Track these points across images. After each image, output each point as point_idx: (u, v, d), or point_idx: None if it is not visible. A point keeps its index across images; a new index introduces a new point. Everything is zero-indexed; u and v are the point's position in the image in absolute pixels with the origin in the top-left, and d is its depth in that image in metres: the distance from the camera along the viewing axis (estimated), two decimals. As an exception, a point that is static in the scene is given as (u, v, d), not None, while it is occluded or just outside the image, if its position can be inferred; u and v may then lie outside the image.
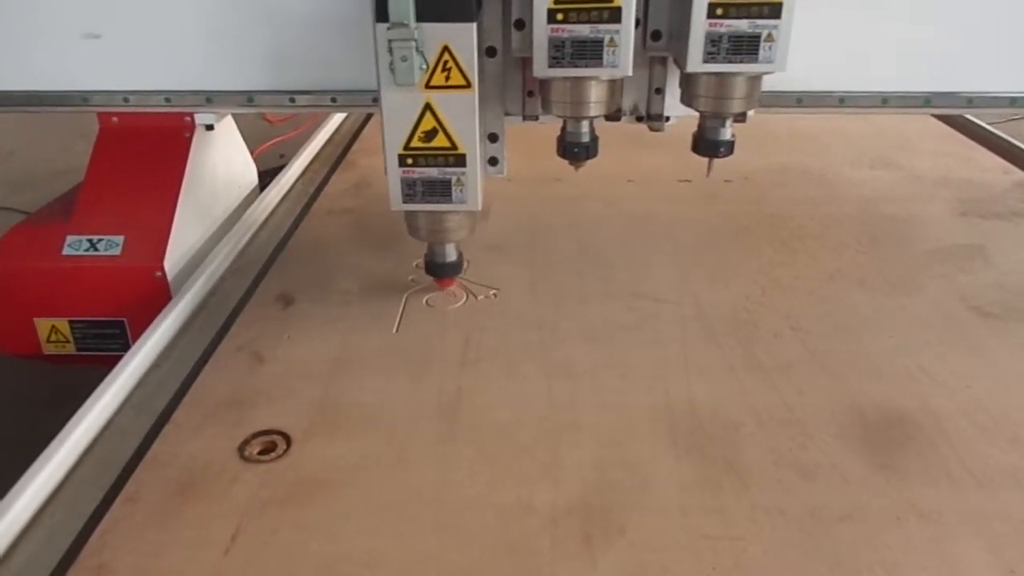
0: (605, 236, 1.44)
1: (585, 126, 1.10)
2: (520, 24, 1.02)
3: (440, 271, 1.20)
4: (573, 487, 0.86)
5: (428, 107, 1.00)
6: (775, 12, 0.94)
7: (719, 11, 0.95)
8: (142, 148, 1.44)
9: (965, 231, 1.45)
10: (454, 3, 0.94)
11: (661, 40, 1.05)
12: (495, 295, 1.25)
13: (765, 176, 1.71)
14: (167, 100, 1.22)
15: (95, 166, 1.44)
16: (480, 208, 1.09)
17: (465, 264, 1.33)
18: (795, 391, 1.01)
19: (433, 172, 1.04)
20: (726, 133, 1.10)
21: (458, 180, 1.05)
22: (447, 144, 1.02)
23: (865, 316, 1.18)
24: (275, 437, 0.93)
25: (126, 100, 1.22)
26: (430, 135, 1.02)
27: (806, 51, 1.04)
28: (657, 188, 1.66)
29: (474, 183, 1.05)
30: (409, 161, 1.04)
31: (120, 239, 1.34)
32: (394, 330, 1.15)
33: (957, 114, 2.00)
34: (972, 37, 1.17)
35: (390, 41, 0.94)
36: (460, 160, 1.03)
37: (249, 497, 0.85)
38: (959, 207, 1.56)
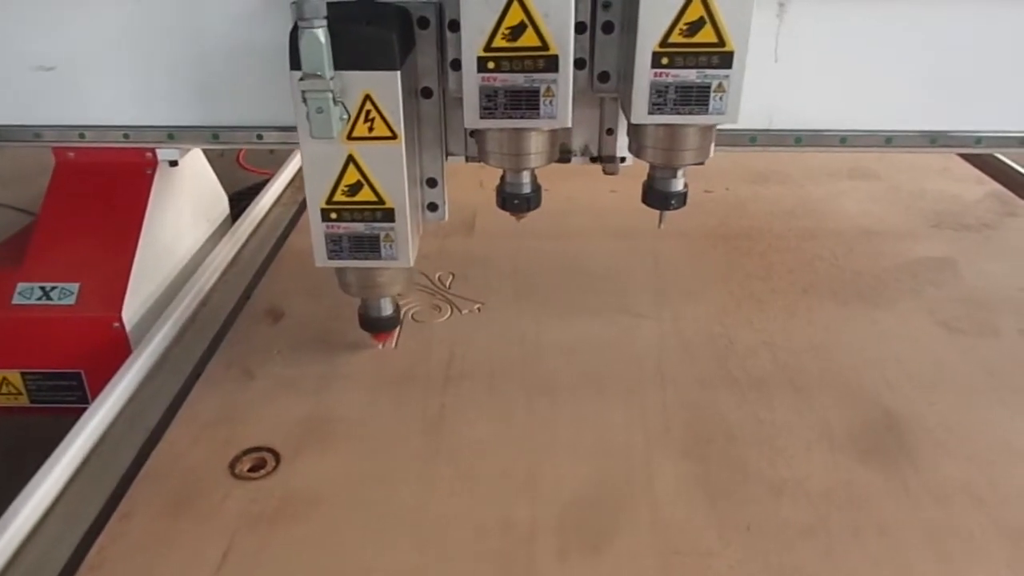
0: (588, 249, 1.48)
1: (526, 176, 1.02)
2: (457, 64, 0.93)
3: (374, 326, 1.13)
4: (550, 505, 0.90)
5: (351, 159, 0.93)
6: (726, 62, 0.86)
7: (664, 60, 0.86)
8: (100, 186, 1.36)
9: (937, 243, 1.50)
10: (375, 50, 0.87)
11: (609, 82, 0.97)
12: (479, 309, 1.28)
13: (745, 186, 1.75)
14: (125, 136, 1.14)
15: (49, 206, 1.36)
16: (412, 264, 1.02)
17: (449, 278, 1.37)
18: (765, 406, 1.06)
19: (359, 227, 0.98)
20: (678, 184, 1.03)
21: (387, 235, 0.98)
22: (373, 198, 0.96)
23: (836, 331, 1.22)
24: (265, 454, 0.97)
25: (82, 136, 1.14)
26: (354, 188, 0.95)
27: (806, 88, 1.04)
28: (636, 201, 1.68)
29: (404, 238, 0.98)
30: (333, 216, 0.97)
31: (75, 287, 1.27)
32: (379, 345, 1.18)
33: (966, 152, 1.93)
34: (979, 74, 1.09)
35: (304, 92, 0.86)
36: (388, 215, 0.97)
37: (240, 514, 0.88)
38: (933, 219, 1.60)
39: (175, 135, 1.14)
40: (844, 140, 1.15)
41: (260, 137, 1.12)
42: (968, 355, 1.17)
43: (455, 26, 0.92)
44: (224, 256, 1.45)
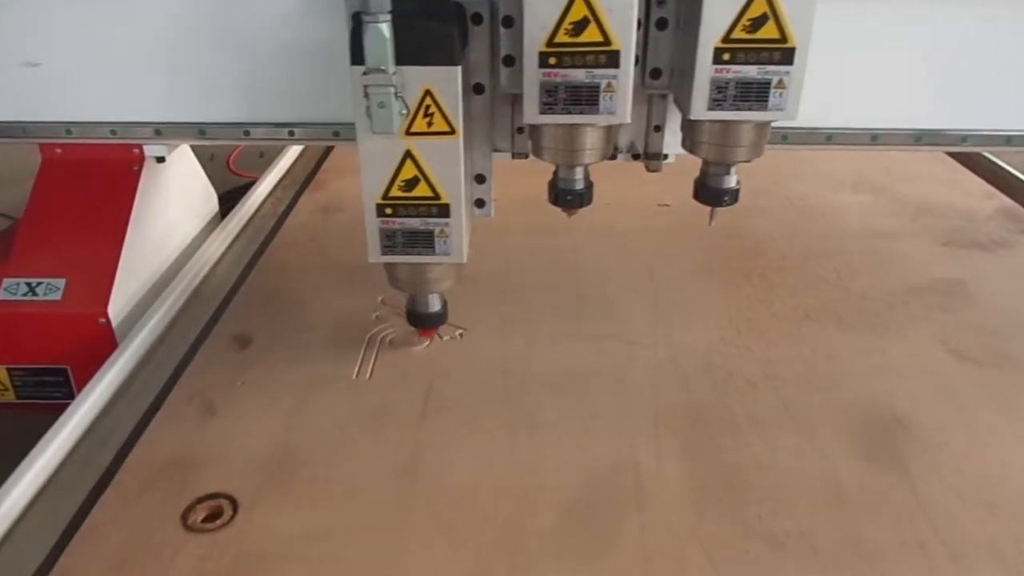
0: (581, 268, 1.40)
1: (579, 172, 1.02)
2: (509, 60, 0.95)
3: (422, 322, 1.14)
4: (534, 558, 0.82)
5: (408, 155, 0.93)
6: (787, 58, 0.87)
7: (726, 56, 0.87)
8: (87, 182, 1.35)
9: (946, 264, 1.42)
10: (437, 46, 0.87)
11: (661, 78, 0.98)
12: (461, 335, 1.20)
13: (746, 200, 1.64)
14: (112, 132, 1.15)
15: (35, 202, 1.34)
16: (465, 260, 1.02)
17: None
18: (768, 448, 0.98)
19: (415, 222, 0.98)
20: (730, 180, 1.03)
21: (441, 231, 0.98)
22: (429, 193, 0.96)
23: (841, 361, 1.15)
24: (222, 501, 0.89)
25: (68, 132, 1.15)
26: (411, 184, 0.95)
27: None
28: (635, 213, 1.61)
29: (459, 234, 0.99)
30: (388, 211, 0.97)
31: (61, 282, 1.26)
32: (353, 376, 1.10)
33: (953, 151, 1.93)
34: (967, 73, 1.10)
35: (366, 87, 0.86)
36: (444, 210, 0.97)
37: (189, 574, 0.80)
38: (941, 236, 1.53)
39: (162, 131, 1.14)
40: (830, 138, 1.14)
41: (247, 133, 1.13)
42: (982, 388, 1.09)
43: (509, 22, 0.92)
44: (212, 252, 1.44)
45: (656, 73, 0.97)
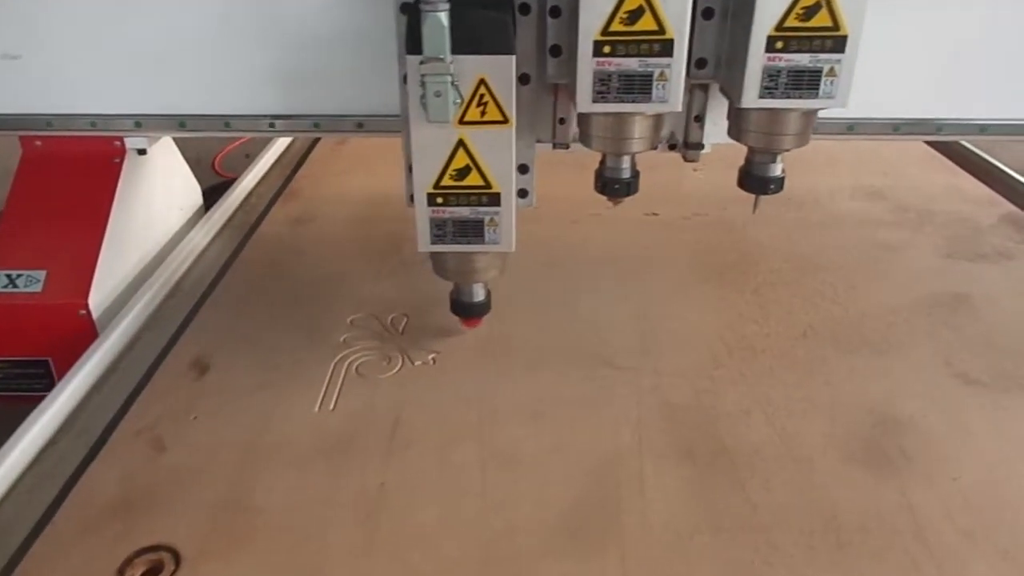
0: (567, 283, 1.32)
1: (626, 161, 1.03)
2: (556, 51, 0.96)
3: (467, 311, 1.14)
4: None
5: (461, 144, 0.93)
6: (839, 46, 0.87)
7: (779, 44, 0.87)
8: (67, 175, 1.35)
9: (950, 276, 1.35)
10: (493, 34, 0.87)
11: (706, 68, 0.97)
12: (434, 360, 1.13)
13: (739, 208, 1.58)
14: (92, 124, 1.17)
15: (16, 194, 1.35)
16: (514, 249, 1.01)
17: (404, 321, 1.22)
18: (761, 485, 0.90)
19: (465, 211, 0.98)
20: (776, 169, 1.04)
21: (491, 220, 0.98)
22: (480, 182, 0.96)
23: (839, 385, 1.07)
24: (163, 554, 0.81)
25: (49, 124, 1.17)
26: (462, 173, 0.95)
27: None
28: (624, 223, 1.53)
29: (508, 223, 0.99)
30: (439, 200, 0.97)
31: (42, 274, 1.26)
32: (316, 407, 1.03)
33: (930, 140, 1.88)
34: (944, 63, 1.12)
35: (423, 76, 0.85)
36: (494, 199, 0.97)
37: (121, 639, 0.73)
38: (944, 246, 1.45)
39: (142, 123, 1.16)
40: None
41: (228, 125, 1.15)
42: (992, 415, 1.02)
43: (556, 12, 0.94)
44: (195, 245, 1.45)
45: (701, 63, 0.97)
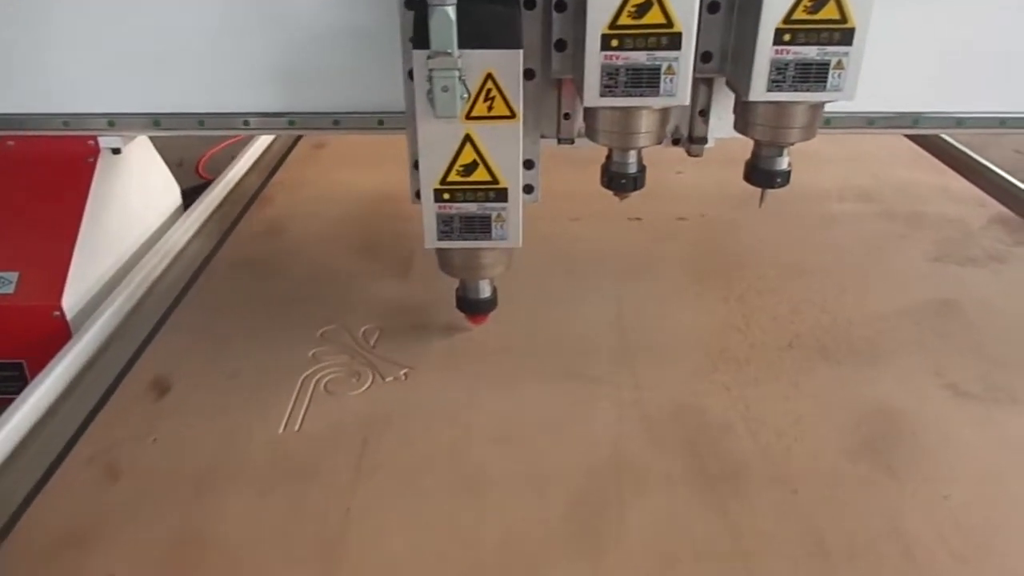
0: (543, 293, 1.27)
1: (632, 156, 1.02)
2: (561, 45, 0.95)
3: (474, 308, 1.13)
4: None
5: (468, 139, 0.93)
6: (847, 38, 0.87)
7: (786, 37, 0.87)
8: (41, 175, 1.33)
9: (940, 282, 1.31)
10: (501, 28, 0.87)
11: (712, 62, 0.97)
12: (406, 375, 1.08)
13: (723, 212, 1.55)
14: (65, 124, 1.14)
15: None
16: (521, 244, 1.00)
17: (376, 334, 1.17)
18: (744, 509, 0.86)
19: (472, 207, 0.97)
20: (783, 162, 1.03)
21: (499, 215, 0.98)
22: (488, 178, 0.95)
23: (826, 399, 1.03)
24: (109, 596, 0.76)
25: (21, 124, 1.15)
26: (469, 168, 0.94)
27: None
28: (605, 228, 1.49)
29: (516, 218, 0.98)
30: (446, 196, 0.96)
31: (14, 276, 1.24)
32: (280, 429, 0.98)
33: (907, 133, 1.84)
34: (922, 55, 1.10)
35: (431, 71, 0.85)
36: (501, 194, 0.96)
37: None
38: (933, 250, 1.42)
39: (115, 122, 1.14)
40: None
41: (202, 123, 1.13)
42: (985, 430, 0.98)
43: (562, 6, 0.93)
44: (172, 244, 1.43)
45: (707, 57, 0.97)
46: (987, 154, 1.80)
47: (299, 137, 1.92)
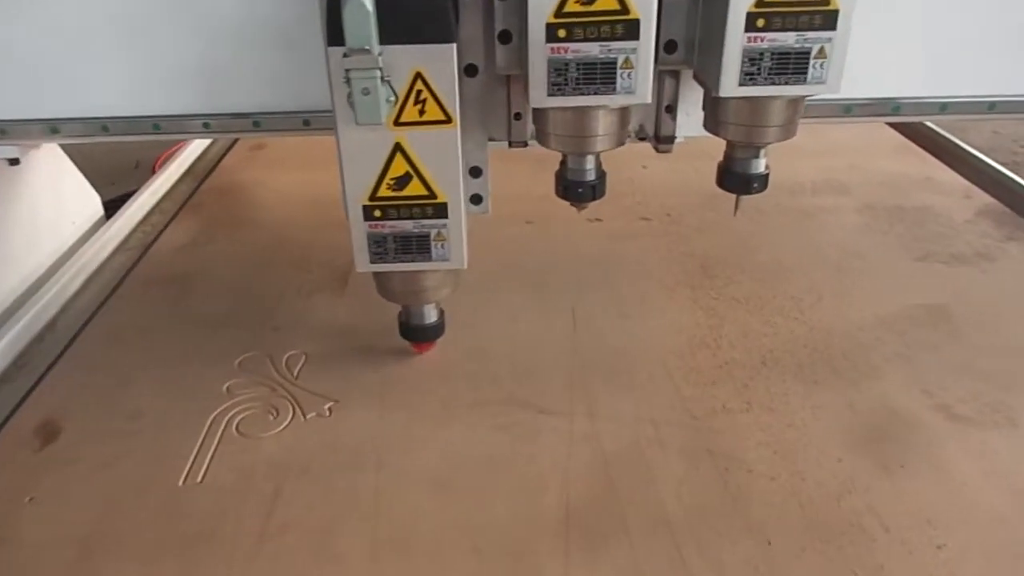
0: (490, 306, 1.15)
1: (590, 161, 0.91)
2: (506, 36, 0.84)
3: (419, 335, 1.02)
4: None
5: (398, 148, 0.82)
6: (829, 22, 0.77)
7: (760, 22, 0.76)
8: None
9: (925, 284, 1.20)
10: (428, 20, 0.76)
11: (677, 52, 0.86)
12: (330, 410, 0.96)
13: (691, 212, 1.44)
14: (2, 132, 1.04)
15: None
16: (466, 265, 0.90)
17: (301, 361, 1.04)
18: (709, 562, 0.75)
19: (407, 225, 0.86)
20: (759, 165, 0.92)
21: (438, 233, 0.87)
22: (424, 192, 0.84)
23: (803, 425, 0.92)
24: None
25: None
26: (402, 182, 0.84)
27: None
28: (561, 230, 1.37)
29: (459, 235, 0.87)
30: (377, 214, 0.85)
31: None
32: (181, 480, 0.85)
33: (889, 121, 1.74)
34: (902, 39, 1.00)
35: (347, 71, 0.74)
36: (440, 210, 0.85)
37: None
38: (916, 248, 1.30)
39: (7, 130, 1.04)
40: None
41: (106, 129, 1.03)
42: (981, 462, 0.87)
43: None
44: (87, 262, 1.31)
45: (671, 46, 0.86)
46: (965, 137, 1.70)
47: (236, 139, 1.78)
